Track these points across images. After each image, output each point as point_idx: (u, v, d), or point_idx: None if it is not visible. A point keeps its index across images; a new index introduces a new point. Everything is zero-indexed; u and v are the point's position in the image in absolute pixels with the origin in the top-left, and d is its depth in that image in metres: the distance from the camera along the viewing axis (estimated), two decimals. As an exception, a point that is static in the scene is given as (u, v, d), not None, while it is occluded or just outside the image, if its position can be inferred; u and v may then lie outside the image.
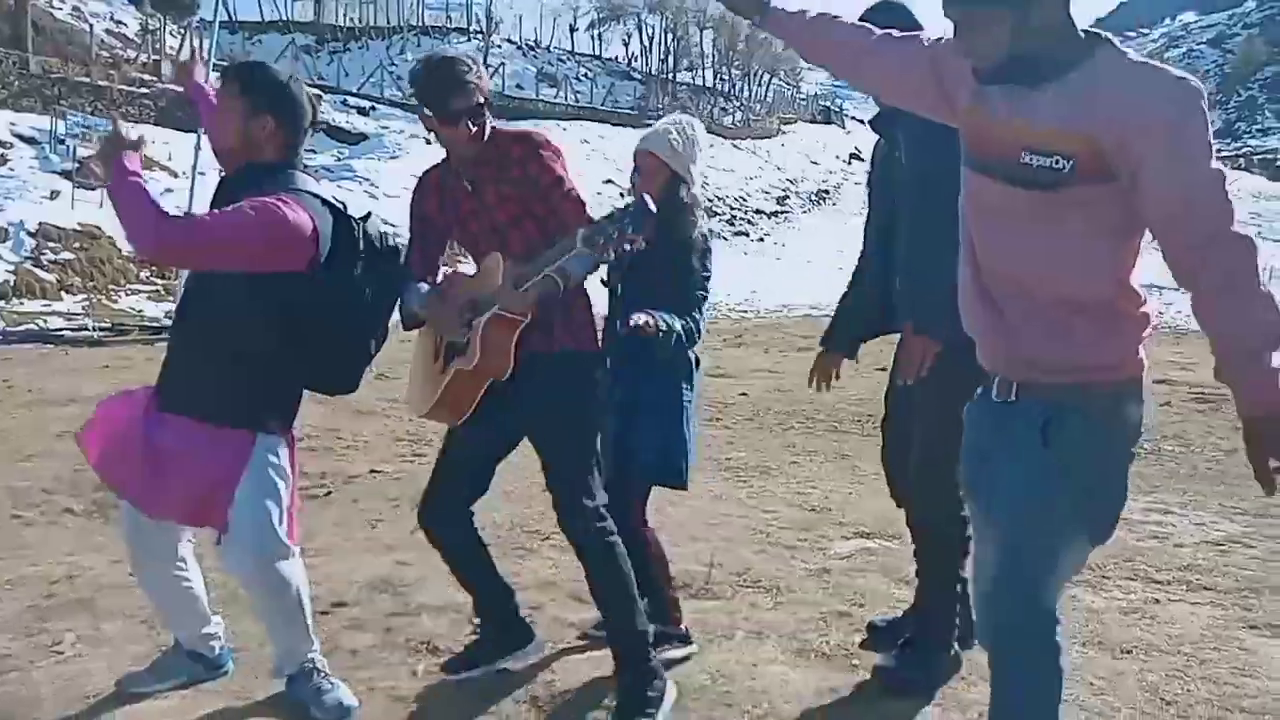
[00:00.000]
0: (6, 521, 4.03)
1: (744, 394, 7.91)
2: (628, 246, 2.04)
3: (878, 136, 2.76)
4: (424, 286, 2.39)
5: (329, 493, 4.64)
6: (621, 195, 24.76)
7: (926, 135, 2.27)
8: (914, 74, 1.84)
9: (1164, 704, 2.40)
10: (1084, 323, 1.62)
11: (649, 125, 2.92)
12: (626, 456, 2.58)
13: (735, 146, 31.64)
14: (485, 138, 2.29)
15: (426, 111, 2.29)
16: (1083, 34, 1.62)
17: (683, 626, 2.68)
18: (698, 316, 2.56)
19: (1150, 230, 1.59)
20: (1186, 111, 1.51)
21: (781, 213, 27.93)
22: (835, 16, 1.98)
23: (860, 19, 2.51)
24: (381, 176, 20.41)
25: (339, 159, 22.56)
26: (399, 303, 2.39)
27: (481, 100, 2.26)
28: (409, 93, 2.43)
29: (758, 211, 27.26)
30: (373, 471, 5.07)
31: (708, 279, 2.63)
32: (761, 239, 25.28)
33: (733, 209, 26.57)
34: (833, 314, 2.86)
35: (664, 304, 2.48)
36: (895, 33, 1.91)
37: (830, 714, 2.36)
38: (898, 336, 2.57)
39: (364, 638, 2.80)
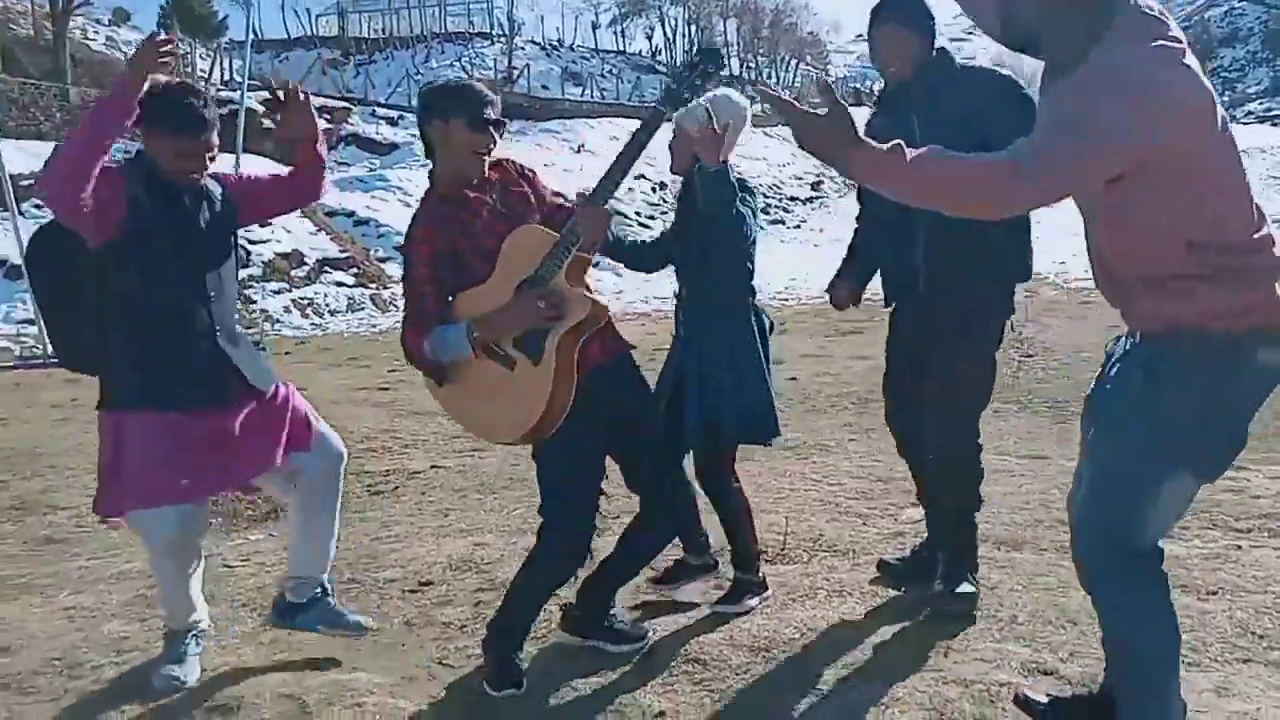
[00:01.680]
0: (96, 528, 4.19)
1: (793, 379, 7.89)
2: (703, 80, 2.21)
3: (877, 108, 2.88)
4: (457, 325, 2.28)
5: (395, 488, 4.76)
6: (653, 189, 24.76)
7: (952, 130, 2.39)
8: None
9: (1256, 638, 2.40)
10: (1177, 284, 1.65)
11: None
12: (713, 418, 2.69)
13: (766, 134, 31.47)
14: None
15: (456, 120, 2.26)
16: (1099, 17, 1.62)
17: (761, 574, 2.85)
18: (745, 225, 2.65)
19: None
20: None
21: (817, 198, 27.69)
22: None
23: (876, 5, 2.68)
24: (414, 185, 20.60)
25: (371, 170, 22.86)
26: (430, 353, 2.30)
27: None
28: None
29: (792, 198, 27.05)
30: (434, 467, 5.18)
31: (753, 208, 2.71)
32: (799, 225, 25.12)
33: (766, 198, 26.40)
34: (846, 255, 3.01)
35: (718, 256, 2.66)
36: None
37: (913, 659, 2.41)
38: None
39: (455, 612, 2.89)
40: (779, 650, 2.48)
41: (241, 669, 2.54)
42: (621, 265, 2.95)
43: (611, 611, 2.60)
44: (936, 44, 2.66)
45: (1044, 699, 2.06)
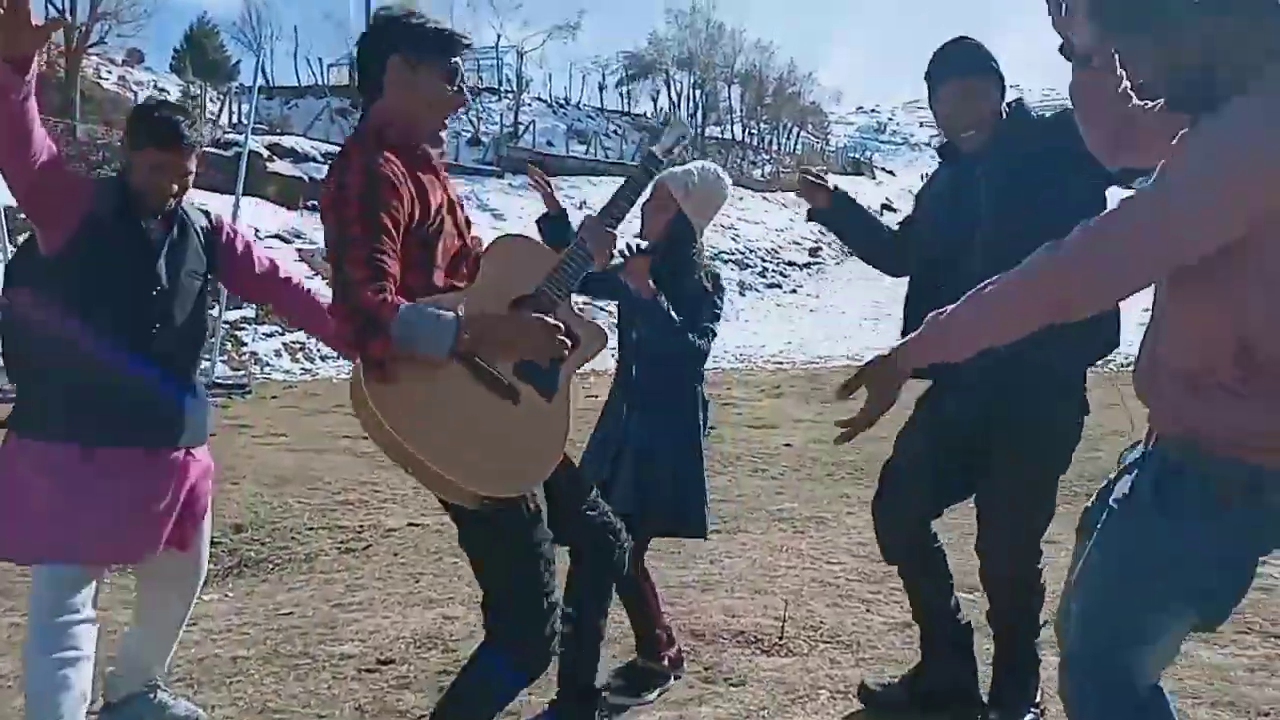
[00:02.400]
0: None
1: (788, 444, 7.66)
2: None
3: (940, 165, 2.52)
4: (445, 312, 1.71)
5: (368, 546, 4.49)
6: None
7: (1023, 184, 2.15)
8: None
9: (1326, 776, 2.13)
10: (1212, 390, 1.38)
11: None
12: (643, 505, 2.51)
13: (765, 199, 31.73)
14: None
15: (427, 65, 1.82)
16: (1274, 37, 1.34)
17: (666, 662, 2.64)
18: (705, 342, 2.53)
19: None
20: None
21: (814, 264, 27.76)
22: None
23: (933, 59, 2.33)
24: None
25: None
26: (397, 332, 1.66)
27: None
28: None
29: (790, 263, 27.10)
30: (411, 525, 4.91)
31: (718, 313, 2.60)
32: (795, 290, 25.13)
33: (764, 261, 26.46)
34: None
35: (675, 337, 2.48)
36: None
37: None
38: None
39: (414, 698, 2.59)
40: (776, 761, 2.20)
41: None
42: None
43: (603, 695, 2.32)
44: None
45: None
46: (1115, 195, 1.76)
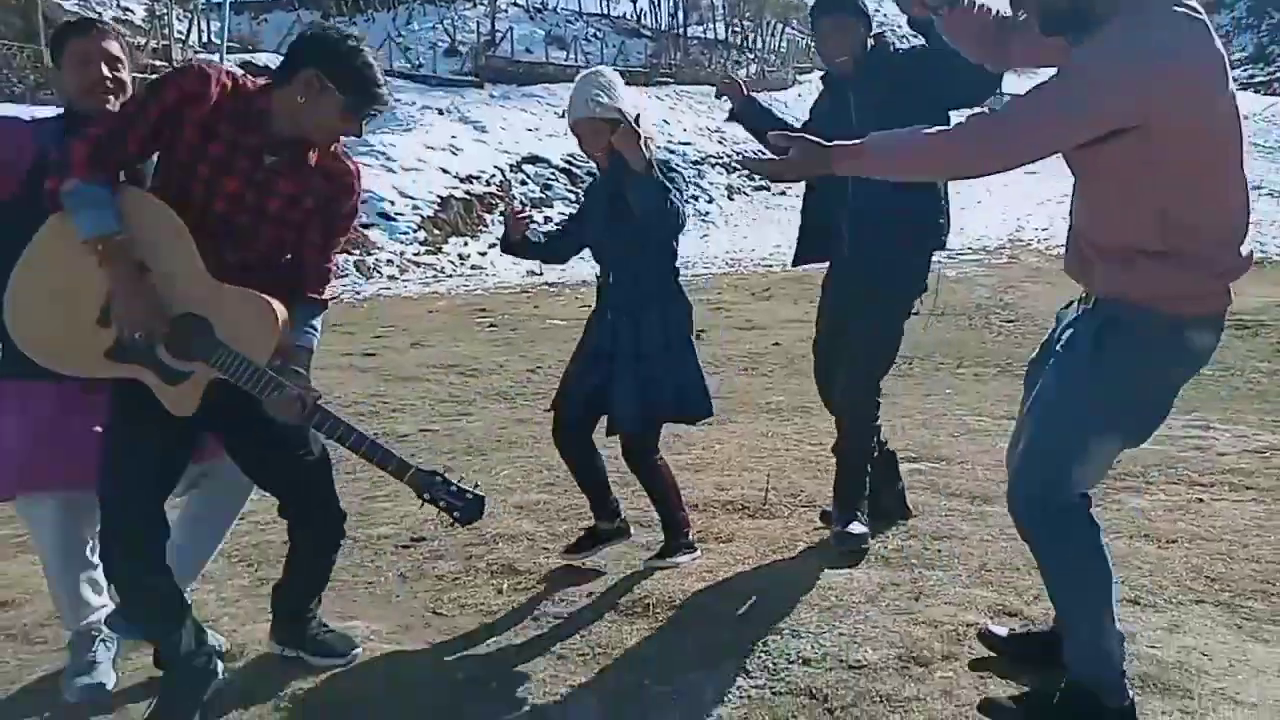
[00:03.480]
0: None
1: (776, 344, 7.99)
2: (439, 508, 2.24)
3: (823, 89, 3.06)
4: (113, 222, 1.87)
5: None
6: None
7: (881, 102, 2.65)
8: None
9: (1209, 581, 2.54)
10: (1141, 260, 1.72)
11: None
12: (646, 403, 2.72)
13: (750, 100, 31.40)
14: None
15: (335, 96, 1.92)
16: None
17: (690, 537, 2.91)
18: (679, 205, 2.59)
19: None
20: None
21: (800, 164, 27.72)
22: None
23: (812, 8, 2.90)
24: (397, 149, 20.39)
25: (354, 134, 22.54)
26: (67, 192, 1.88)
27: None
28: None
29: (776, 164, 27.10)
30: (423, 430, 5.23)
31: (681, 189, 2.62)
32: (783, 192, 25.14)
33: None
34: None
35: (651, 246, 2.70)
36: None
37: (887, 604, 2.53)
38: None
39: (447, 565, 2.99)
40: (760, 597, 2.60)
41: (240, 619, 2.63)
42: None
43: (313, 622, 2.45)
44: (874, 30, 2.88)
45: (1004, 631, 2.21)
46: (958, 115, 2.19)
